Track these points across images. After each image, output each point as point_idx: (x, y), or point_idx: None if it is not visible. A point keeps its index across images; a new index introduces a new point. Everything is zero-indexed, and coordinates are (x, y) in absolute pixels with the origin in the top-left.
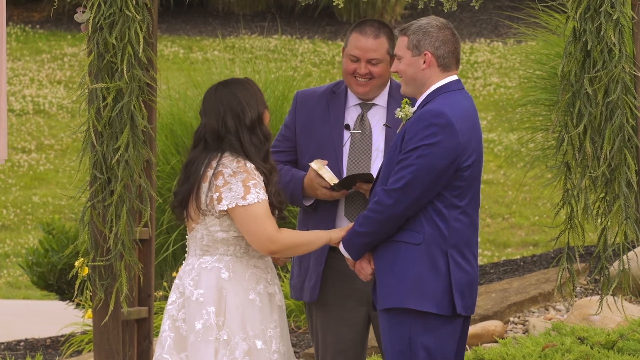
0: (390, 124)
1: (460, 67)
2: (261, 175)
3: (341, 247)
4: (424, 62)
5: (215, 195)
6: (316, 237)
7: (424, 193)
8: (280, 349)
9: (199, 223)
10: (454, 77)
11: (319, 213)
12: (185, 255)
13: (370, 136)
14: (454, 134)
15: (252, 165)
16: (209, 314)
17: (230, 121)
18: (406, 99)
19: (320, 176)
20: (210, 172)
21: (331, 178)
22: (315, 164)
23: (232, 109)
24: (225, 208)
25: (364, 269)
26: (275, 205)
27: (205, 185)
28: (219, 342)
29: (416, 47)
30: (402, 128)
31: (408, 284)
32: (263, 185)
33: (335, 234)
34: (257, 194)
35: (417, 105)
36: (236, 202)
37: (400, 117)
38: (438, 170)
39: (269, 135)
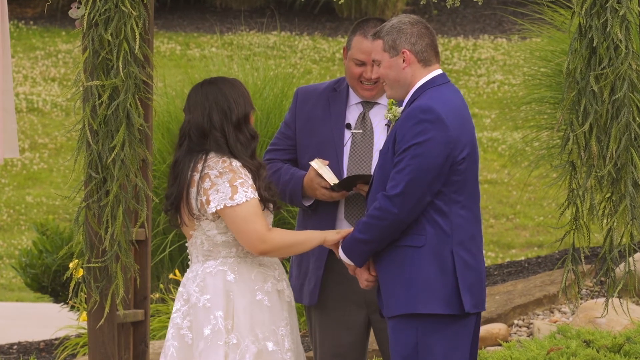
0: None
1: (464, 64)
2: (248, 172)
3: (341, 255)
4: (404, 60)
5: (204, 199)
6: (309, 237)
7: (424, 193)
8: (292, 347)
9: (196, 229)
10: (438, 71)
11: (318, 214)
12: (188, 262)
13: (372, 136)
14: (445, 128)
15: (239, 164)
16: (217, 318)
17: (216, 116)
18: (392, 100)
19: (320, 176)
20: (197, 176)
21: (331, 178)
22: (315, 163)
23: (219, 104)
24: (214, 210)
25: (363, 275)
26: (268, 199)
27: (193, 190)
28: (229, 347)
29: (392, 48)
30: (392, 129)
31: (416, 289)
32: (251, 183)
33: (330, 236)
34: (245, 193)
35: (404, 103)
36: (224, 203)
37: (389, 118)
38: (434, 167)
39: (256, 135)
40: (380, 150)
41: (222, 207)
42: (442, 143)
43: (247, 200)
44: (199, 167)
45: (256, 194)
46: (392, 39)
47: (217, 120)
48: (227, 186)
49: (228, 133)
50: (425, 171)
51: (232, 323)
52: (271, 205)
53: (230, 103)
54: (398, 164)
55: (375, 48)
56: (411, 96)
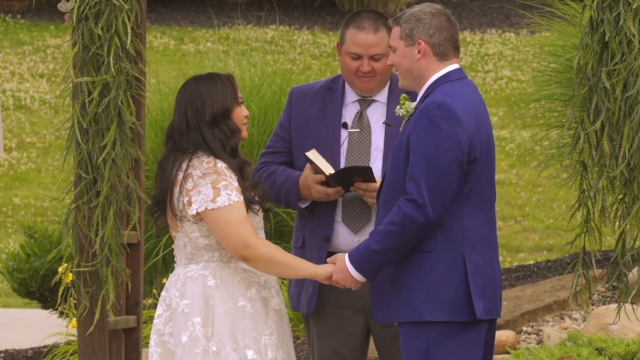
0: (391, 122)
1: (470, 59)
2: (233, 173)
3: (354, 273)
4: (419, 51)
5: (186, 200)
6: (299, 266)
7: (448, 192)
8: (277, 357)
9: (179, 231)
10: (454, 66)
11: (315, 217)
12: (174, 264)
13: (370, 135)
14: (460, 124)
15: (224, 165)
16: (195, 325)
17: (191, 116)
18: (404, 95)
19: (315, 171)
20: (180, 175)
21: (327, 168)
22: (311, 153)
23: (192, 103)
24: (194, 212)
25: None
26: (254, 200)
27: (176, 190)
28: (208, 354)
29: (409, 37)
30: (406, 126)
31: (424, 295)
32: (237, 185)
33: (322, 270)
34: (228, 196)
35: (418, 99)
36: (205, 206)
37: (401, 114)
38: (452, 164)
39: (237, 130)
40: (393, 149)
41: (203, 209)
42: (458, 140)
43: (230, 204)
44: (184, 166)
45: (241, 198)
46: (409, 27)
47: (192, 120)
48: (209, 188)
49: (204, 132)
50: (444, 169)
51: (212, 330)
52: (256, 207)
53: (203, 100)
54: (415, 165)
55: (393, 34)
56: (425, 91)
